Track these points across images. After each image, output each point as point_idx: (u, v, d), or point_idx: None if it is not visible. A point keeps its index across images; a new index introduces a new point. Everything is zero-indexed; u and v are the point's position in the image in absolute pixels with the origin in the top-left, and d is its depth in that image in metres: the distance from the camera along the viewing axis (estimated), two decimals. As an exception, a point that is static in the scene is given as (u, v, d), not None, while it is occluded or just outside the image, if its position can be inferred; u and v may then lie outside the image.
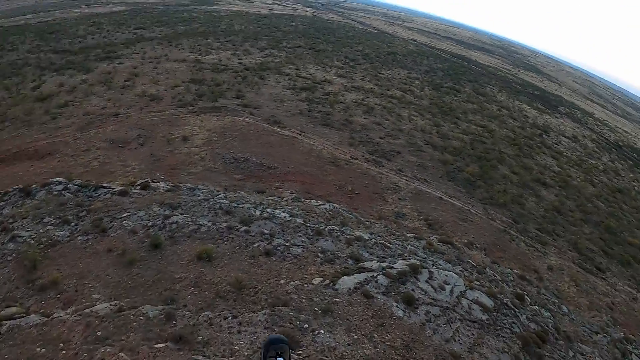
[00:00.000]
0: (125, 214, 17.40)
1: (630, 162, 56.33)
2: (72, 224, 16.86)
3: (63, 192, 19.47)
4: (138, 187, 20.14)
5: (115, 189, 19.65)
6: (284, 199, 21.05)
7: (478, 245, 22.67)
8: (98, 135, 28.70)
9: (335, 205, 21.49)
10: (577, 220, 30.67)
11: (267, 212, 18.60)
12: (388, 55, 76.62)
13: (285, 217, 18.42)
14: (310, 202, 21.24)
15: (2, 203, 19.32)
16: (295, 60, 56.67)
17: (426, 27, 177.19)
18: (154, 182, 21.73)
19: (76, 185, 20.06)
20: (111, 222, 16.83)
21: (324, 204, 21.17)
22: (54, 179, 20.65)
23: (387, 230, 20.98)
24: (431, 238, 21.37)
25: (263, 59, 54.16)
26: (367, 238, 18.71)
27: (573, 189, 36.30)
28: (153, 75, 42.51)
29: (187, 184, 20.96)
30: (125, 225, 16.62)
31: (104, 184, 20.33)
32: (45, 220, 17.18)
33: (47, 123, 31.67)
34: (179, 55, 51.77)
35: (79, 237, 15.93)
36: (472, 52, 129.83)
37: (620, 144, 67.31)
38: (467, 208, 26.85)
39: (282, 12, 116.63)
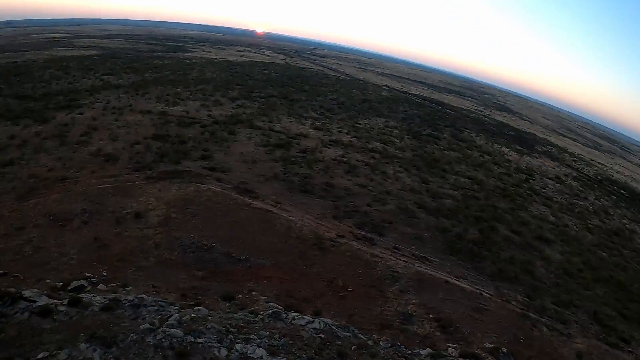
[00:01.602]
0: (40, 355, 11.84)
1: (614, 197, 54.99)
2: None
3: None
4: (66, 301, 14.36)
5: (37, 304, 13.94)
6: (259, 315, 15.26)
7: (504, 350, 17.61)
8: (38, 207, 23.29)
9: (326, 321, 15.79)
10: (589, 281, 26.81)
11: (237, 349, 12.78)
12: (363, 103, 72.98)
13: (262, 356, 12.75)
14: (294, 318, 15.34)
15: None
16: (268, 111, 51.79)
17: (397, 72, 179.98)
18: (91, 282, 16.76)
19: None
20: (22, 367, 11.38)
21: (312, 321, 15.45)
22: None
23: (397, 351, 15.48)
24: (449, 350, 16.35)
25: (234, 110, 49.18)
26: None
27: (574, 242, 32.69)
28: (113, 129, 37.05)
29: (129, 298, 15.11)
30: (40, 376, 11.04)
31: (25, 294, 14.54)
32: None
33: None
34: (145, 106, 46.46)
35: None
36: (444, 95, 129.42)
37: (600, 177, 66.51)
38: (478, 291, 21.88)
39: (255, 60, 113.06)
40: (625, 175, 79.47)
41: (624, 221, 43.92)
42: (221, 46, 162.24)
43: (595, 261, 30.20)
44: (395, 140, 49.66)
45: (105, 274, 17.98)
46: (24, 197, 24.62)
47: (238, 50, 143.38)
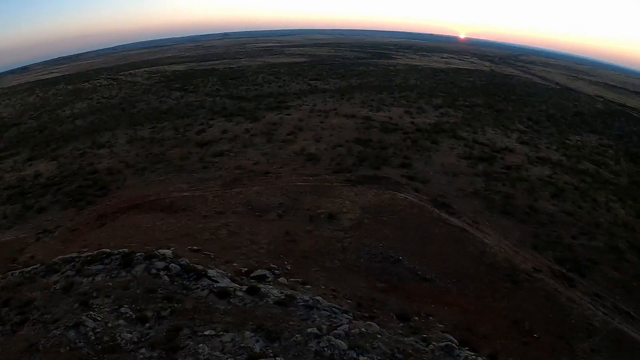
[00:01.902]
0: (207, 332, 12.75)
1: None
2: (147, 325, 13.09)
3: (161, 272, 15.76)
4: (245, 288, 15.32)
5: (218, 284, 15.18)
6: (431, 345, 13.81)
7: None
8: (239, 195, 25.50)
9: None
10: None
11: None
12: (575, 117, 63.81)
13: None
14: (467, 358, 13.50)
15: (101, 266, 16.54)
16: (472, 121, 48.23)
17: (613, 80, 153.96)
18: (274, 273, 17.64)
19: (180, 265, 16.10)
20: (186, 340, 12.40)
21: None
22: (161, 251, 17.28)
23: None
24: None
25: (437, 119, 47.11)
26: None
27: None
28: (317, 131, 38.95)
29: (304, 298, 15.23)
30: (199, 351, 11.92)
31: (210, 272, 15.96)
32: (122, 310, 13.66)
33: (197, 172, 30.16)
34: (349, 110, 47.81)
35: (142, 350, 11.95)
36: None
37: None
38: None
39: (459, 67, 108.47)
40: None
41: None
42: (424, 53, 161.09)
43: None
44: (610, 162, 42.09)
45: (289, 267, 18.50)
46: (228, 185, 27.17)
47: (441, 57, 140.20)
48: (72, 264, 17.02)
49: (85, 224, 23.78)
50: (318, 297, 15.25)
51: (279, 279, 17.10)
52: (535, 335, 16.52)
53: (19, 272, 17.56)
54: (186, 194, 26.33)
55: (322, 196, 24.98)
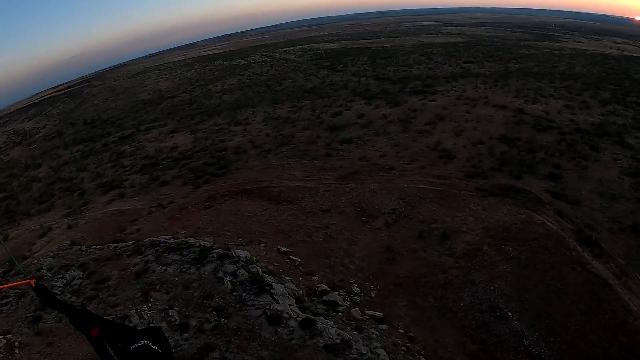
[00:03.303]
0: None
1: None
2: (185, 335, 12.16)
3: (226, 277, 14.71)
4: (301, 318, 13.18)
5: (274, 306, 13.35)
6: None
7: None
8: (352, 193, 23.01)
9: None
10: None
11: None
12: None
13: None
14: None
15: (177, 256, 16.24)
16: None
17: None
18: (351, 299, 15.08)
19: (249, 272, 14.80)
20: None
21: None
22: (237, 252, 16.24)
23: None
24: None
25: (603, 118, 36.99)
26: None
27: None
28: (459, 122, 33.99)
29: (362, 349, 12.33)
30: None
31: (274, 289, 14.25)
32: (171, 312, 13.10)
33: (318, 159, 28.28)
34: (500, 100, 41.29)
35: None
36: None
37: None
38: None
39: (633, 54, 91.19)
40: None
41: None
42: (595, 36, 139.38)
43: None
44: None
45: (373, 295, 15.69)
46: (345, 179, 24.75)
47: (614, 42, 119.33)
48: (156, 248, 17.08)
49: (194, 203, 23.74)
50: (380, 349, 12.30)
51: (352, 310, 14.34)
52: None
53: (113, 247, 18.01)
54: (298, 184, 24.74)
55: (443, 206, 21.06)
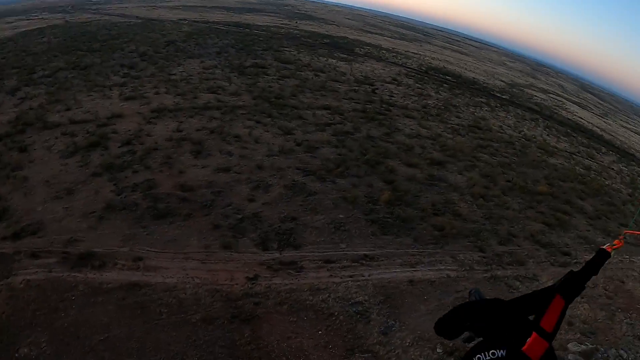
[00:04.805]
0: None
1: (446, 85, 47.75)
2: None
3: None
4: None
5: None
6: None
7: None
8: None
9: None
10: (501, 197, 18.65)
11: None
12: (168, 46, 51.70)
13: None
14: None
15: None
16: (60, 93, 29.38)
17: (190, 1, 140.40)
18: None
19: None
20: None
21: None
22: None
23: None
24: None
25: (18, 109, 24.42)
26: None
27: (459, 153, 23.39)
28: None
29: None
30: None
31: None
32: None
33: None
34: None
35: None
36: (246, 15, 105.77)
37: (423, 68, 58.18)
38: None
39: (29, 29, 75.60)
40: (440, 60, 73.08)
41: (471, 109, 36.67)
42: None
43: (487, 169, 21.93)
44: (224, 83, 33.31)
45: None
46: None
47: (8, 22, 76.57)
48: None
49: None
50: None
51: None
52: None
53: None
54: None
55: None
